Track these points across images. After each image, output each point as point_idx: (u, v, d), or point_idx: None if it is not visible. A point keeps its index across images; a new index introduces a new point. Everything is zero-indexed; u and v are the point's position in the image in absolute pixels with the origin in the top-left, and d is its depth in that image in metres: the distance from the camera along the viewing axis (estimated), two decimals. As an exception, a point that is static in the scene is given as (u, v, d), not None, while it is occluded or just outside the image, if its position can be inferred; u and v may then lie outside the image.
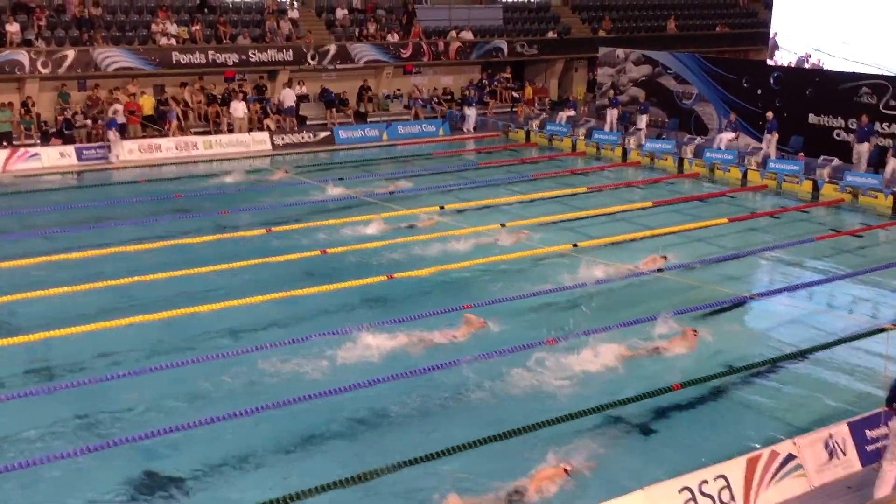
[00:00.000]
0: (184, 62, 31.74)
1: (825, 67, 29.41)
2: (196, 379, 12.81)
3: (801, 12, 29.98)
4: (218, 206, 22.93)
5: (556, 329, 14.54)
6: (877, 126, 26.31)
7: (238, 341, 14.29)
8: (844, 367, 13.68)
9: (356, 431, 11.59)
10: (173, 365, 13.17)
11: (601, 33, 41.57)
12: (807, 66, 30.05)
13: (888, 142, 25.98)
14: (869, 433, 10.79)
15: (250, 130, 31.32)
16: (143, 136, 29.87)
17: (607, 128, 32.49)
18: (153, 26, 32.04)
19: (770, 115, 28.30)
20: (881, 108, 26.78)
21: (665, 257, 18.21)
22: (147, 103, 30.89)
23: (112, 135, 28.28)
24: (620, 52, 35.95)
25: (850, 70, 28.26)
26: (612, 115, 32.79)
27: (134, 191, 25.07)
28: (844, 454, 10.58)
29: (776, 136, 27.86)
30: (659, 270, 17.14)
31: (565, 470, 10.20)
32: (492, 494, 9.95)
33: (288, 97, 32.75)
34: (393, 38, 36.41)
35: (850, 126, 27.16)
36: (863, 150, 25.86)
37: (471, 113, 34.68)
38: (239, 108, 31.19)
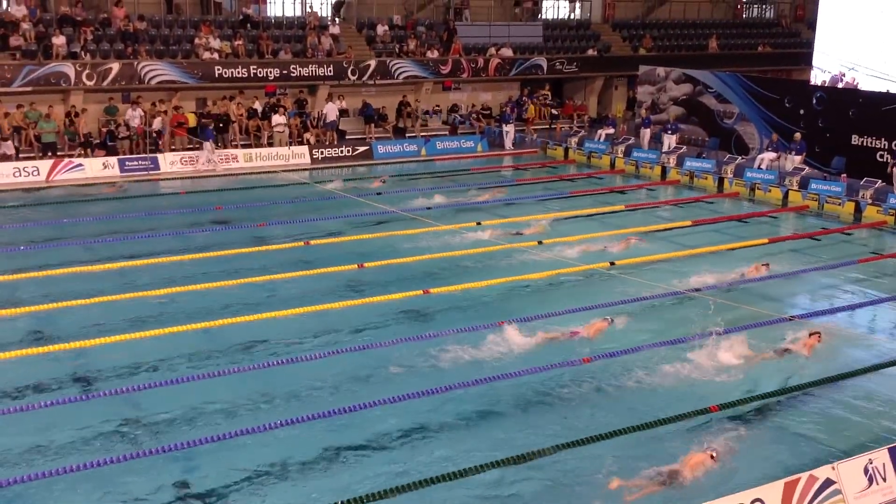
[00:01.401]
0: (226, 76, 32.10)
1: (859, 86, 29.10)
2: (233, 389, 12.91)
3: (842, 32, 29.66)
4: (256, 218, 23.12)
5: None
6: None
7: (277, 352, 14.38)
8: (886, 392, 13.44)
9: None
10: (211, 375, 13.28)
11: (642, 51, 41.48)
12: (841, 85, 29.75)
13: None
14: (911, 460, 10.59)
15: (290, 144, 31.59)
16: (188, 148, 30.30)
17: (643, 145, 32.39)
18: (196, 40, 32.45)
19: (798, 136, 28.09)
20: (926, 130, 26.45)
21: (767, 265, 18.80)
22: (191, 117, 31.33)
23: (208, 144, 29.37)
24: (661, 70, 35.80)
25: (888, 89, 27.97)
26: (644, 134, 32.65)
27: (175, 202, 25.35)
28: (884, 480, 10.38)
29: (803, 156, 27.74)
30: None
31: (712, 456, 10.88)
32: (648, 478, 10.63)
33: (331, 112, 32.98)
34: (433, 54, 36.57)
35: (894, 147, 26.79)
36: (897, 173, 25.70)
37: (509, 129, 34.70)
38: (280, 122, 31.48)
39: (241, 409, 12.44)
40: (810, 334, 14.90)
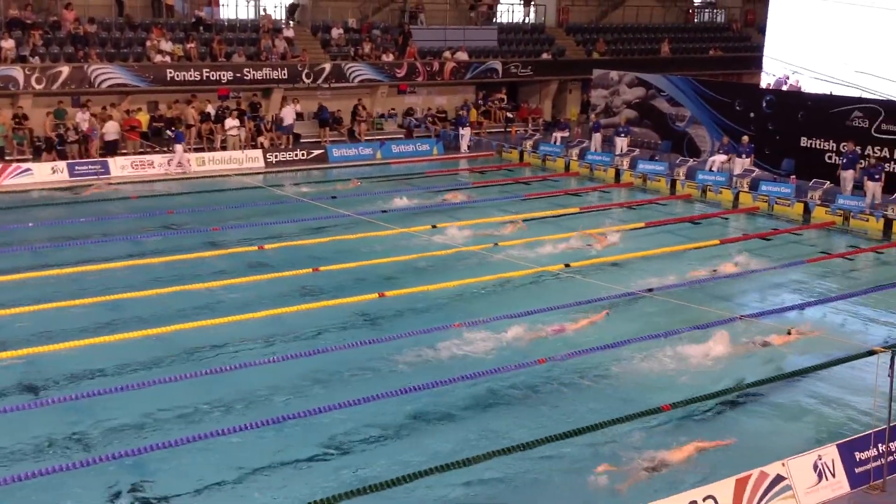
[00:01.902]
0: (178, 79, 31.78)
1: (802, 89, 29.67)
2: (187, 395, 12.80)
3: (789, 36, 30.15)
4: (210, 222, 22.94)
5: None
6: (867, 151, 26.53)
7: (232, 357, 14.28)
8: (835, 389, 13.67)
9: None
10: (164, 381, 13.13)
11: (595, 55, 41.80)
12: (785, 87, 30.30)
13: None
14: (858, 455, 10.77)
15: (244, 148, 31.36)
16: (140, 152, 29.98)
17: (593, 149, 32.55)
18: (147, 43, 32.11)
19: (745, 139, 28.61)
20: (873, 132, 26.94)
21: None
22: (144, 120, 31.00)
23: (179, 147, 29.31)
24: (614, 74, 36.11)
25: (833, 92, 28.55)
26: (595, 138, 32.86)
27: (126, 207, 25.05)
28: (833, 476, 10.56)
29: (752, 158, 28.40)
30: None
31: (697, 447, 11.35)
32: (636, 465, 11.03)
33: (287, 115, 32.80)
34: (388, 57, 36.54)
35: (843, 149, 27.29)
36: (848, 176, 26.09)
37: (465, 132, 34.77)
38: (233, 126, 31.25)
39: (196, 415, 12.35)
40: (788, 332, 15.45)
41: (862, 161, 26.43)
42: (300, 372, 13.71)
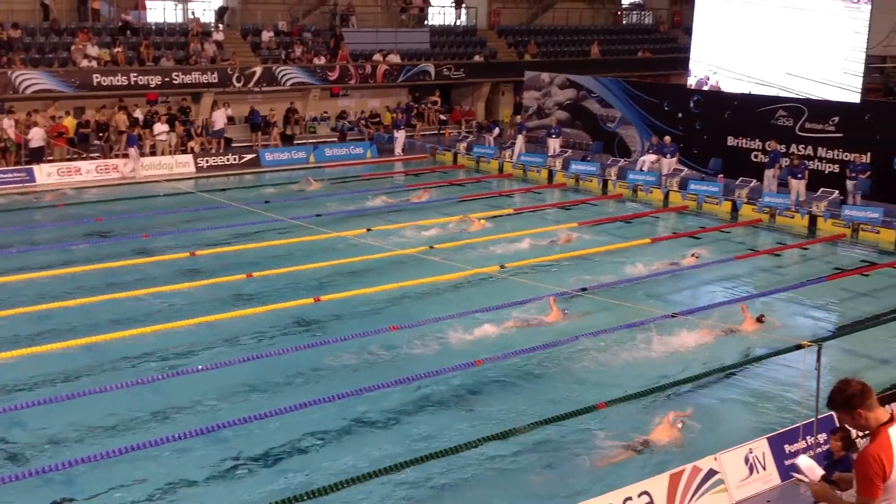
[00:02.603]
0: (105, 84, 31.21)
1: (722, 89, 30.32)
2: (121, 405, 12.58)
3: (713, 37, 30.72)
4: (140, 229, 22.57)
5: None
6: (791, 149, 27.24)
7: (165, 365, 14.07)
8: (764, 383, 13.97)
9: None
10: (95, 391, 12.88)
11: (527, 57, 42.13)
12: (706, 87, 30.92)
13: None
14: (788, 447, 11.02)
15: (173, 153, 30.90)
16: (67, 159, 29.36)
17: (516, 151, 32.69)
18: (73, 48, 31.47)
19: (668, 139, 29.17)
20: (797, 131, 27.62)
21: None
22: (71, 125, 30.36)
23: (133, 151, 29.13)
24: (546, 75, 36.44)
25: (752, 92, 29.23)
26: (518, 140, 33.06)
27: (53, 215, 24.52)
28: (764, 469, 10.79)
29: (677, 158, 29.04)
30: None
31: (679, 426, 11.87)
32: (622, 445, 11.58)
33: (218, 119, 32.41)
34: (320, 60, 36.35)
35: (767, 148, 27.90)
36: (770, 174, 26.73)
37: (399, 135, 34.76)
38: (162, 131, 30.78)
39: (130, 425, 12.11)
40: (758, 318, 16.17)
41: (786, 159, 27.08)
42: (236, 379, 13.55)
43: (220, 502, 10.43)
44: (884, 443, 5.82)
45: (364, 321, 16.26)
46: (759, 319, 16.23)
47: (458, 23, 44.38)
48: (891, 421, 5.88)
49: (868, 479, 5.79)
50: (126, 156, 29.79)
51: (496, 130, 35.16)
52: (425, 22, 42.99)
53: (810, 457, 6.92)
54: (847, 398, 5.85)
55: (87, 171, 28.82)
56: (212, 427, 11.89)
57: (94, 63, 31.37)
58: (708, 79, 30.98)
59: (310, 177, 28.84)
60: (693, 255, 20.57)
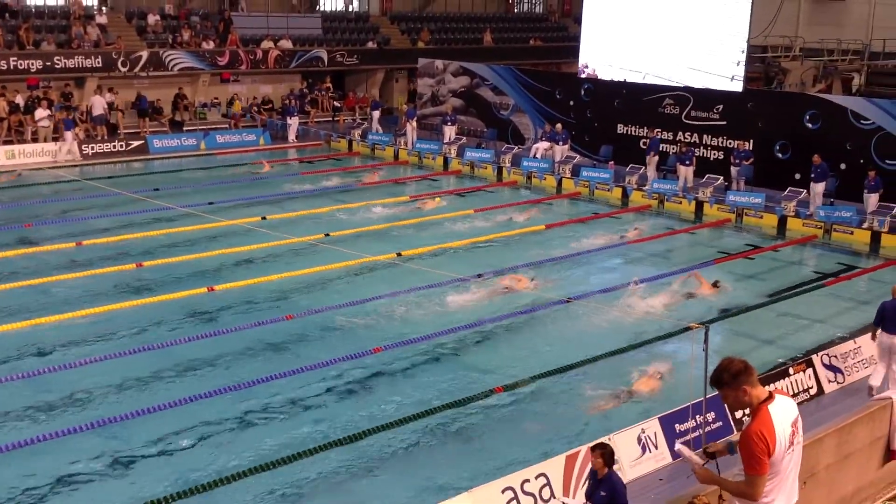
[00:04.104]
0: (-18, 67, 29.92)
1: (598, 77, 31.01)
2: (7, 399, 12.16)
3: (604, 27, 31.28)
4: (22, 218, 21.73)
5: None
6: (678, 137, 28.03)
7: (47, 360, 13.60)
8: (654, 364, 14.30)
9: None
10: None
11: (420, 44, 42.12)
12: (583, 76, 31.55)
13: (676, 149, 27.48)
14: (678, 426, 11.35)
15: (56, 139, 29.81)
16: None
17: (408, 138, 32.70)
18: (-53, 29, 30.06)
19: (559, 126, 29.75)
20: (683, 119, 28.40)
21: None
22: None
23: (69, 134, 28.98)
24: (439, 63, 36.52)
25: (625, 78, 30.01)
26: (410, 128, 33.05)
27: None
28: (656, 447, 11.09)
29: (569, 145, 29.48)
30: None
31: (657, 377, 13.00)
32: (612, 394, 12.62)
33: (97, 104, 31.37)
34: (208, 45, 35.58)
35: (650, 136, 28.59)
36: (650, 160, 27.48)
37: (292, 122, 34.32)
38: (43, 116, 29.66)
39: (17, 419, 11.69)
40: (713, 284, 17.69)
41: (674, 147, 27.85)
42: (128, 371, 13.20)
43: (105, 496, 10.17)
44: (765, 419, 5.99)
45: (259, 310, 16.05)
46: (715, 284, 17.73)
47: (350, 9, 44.05)
48: (770, 398, 6.09)
49: (754, 455, 5.96)
50: (57, 139, 29.41)
51: (377, 112, 35.13)
52: (317, 7, 42.54)
53: (684, 443, 7.12)
54: (734, 375, 6.02)
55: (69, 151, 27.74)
56: (103, 420, 11.56)
57: (-31, 45, 30.02)
58: (586, 67, 31.57)
59: (263, 159, 28.97)
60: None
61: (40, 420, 11.77)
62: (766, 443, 5.95)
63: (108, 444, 11.21)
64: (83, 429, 11.37)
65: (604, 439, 10.56)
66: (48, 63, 31.31)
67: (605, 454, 8.84)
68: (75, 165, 28.70)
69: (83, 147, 29.76)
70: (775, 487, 6.11)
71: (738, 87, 27.83)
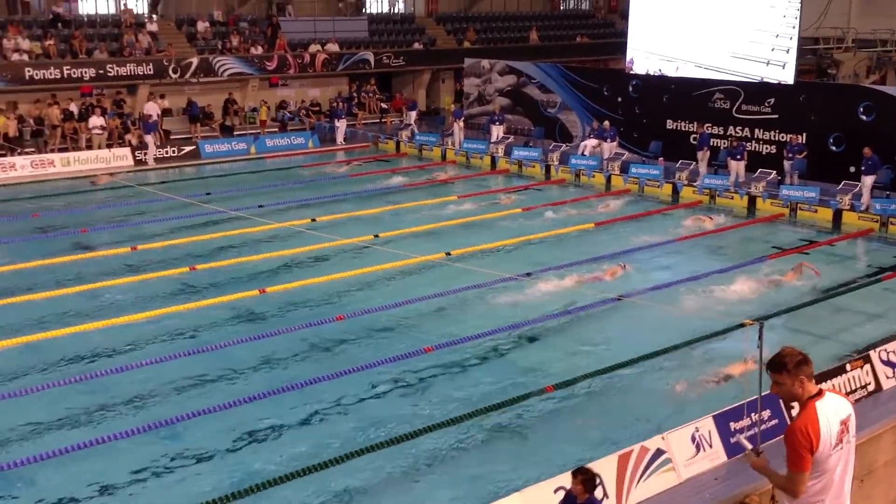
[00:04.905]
0: (38, 78, 30.54)
1: (646, 73, 30.72)
2: (60, 403, 12.34)
3: (652, 22, 31.00)
4: (78, 224, 22.14)
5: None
6: (729, 131, 27.66)
7: (102, 363, 13.83)
8: (709, 362, 14.16)
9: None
10: (32, 390, 12.62)
11: (466, 44, 42.13)
12: (630, 72, 31.30)
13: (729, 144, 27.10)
14: (733, 425, 11.18)
15: (110, 146, 30.34)
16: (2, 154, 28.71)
17: (455, 138, 32.70)
18: (4, 42, 30.71)
19: (607, 123, 29.59)
20: (734, 113, 28.04)
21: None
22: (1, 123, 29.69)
23: (150, 137, 30.00)
24: (486, 62, 36.48)
25: (674, 74, 29.69)
26: (457, 128, 32.95)
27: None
28: (711, 446, 10.92)
29: (617, 142, 29.39)
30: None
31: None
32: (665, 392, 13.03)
33: (150, 111, 31.86)
34: (257, 50, 35.95)
35: (701, 131, 28.26)
36: (700, 156, 27.20)
37: (340, 125, 34.53)
38: (98, 124, 30.20)
39: (73, 423, 11.90)
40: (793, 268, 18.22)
41: (724, 141, 27.52)
42: (182, 373, 13.37)
43: (162, 497, 10.31)
44: (811, 415, 5.93)
45: (311, 311, 16.16)
46: (797, 269, 18.22)
47: (396, 11, 44.20)
48: (819, 395, 5.99)
49: (796, 451, 5.90)
50: (111, 146, 30.20)
51: (414, 112, 35.22)
52: (363, 10, 42.75)
53: (747, 437, 7.06)
54: (797, 363, 5.95)
55: (22, 166, 28.16)
56: (157, 423, 11.71)
57: (25, 57, 30.65)
58: (633, 62, 31.31)
59: (345, 159, 29.99)
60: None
61: (96, 423, 11.95)
62: (810, 439, 5.87)
63: (164, 445, 11.36)
64: (139, 431, 11.52)
65: (657, 438, 10.47)
66: (101, 71, 31.88)
67: (586, 480, 8.58)
68: (129, 171, 29.17)
69: (136, 153, 30.25)
70: (823, 488, 5.99)
71: (789, 78, 27.39)
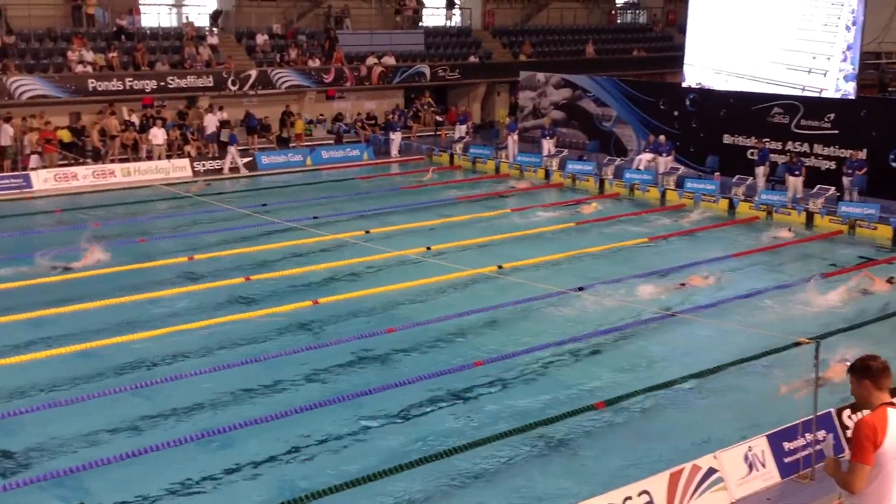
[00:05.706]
0: (100, 89, 31.23)
1: (704, 86, 30.43)
2: (114, 410, 12.58)
3: (710, 36, 30.75)
4: (137, 233, 22.57)
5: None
6: (787, 147, 27.29)
7: (158, 371, 14.07)
8: (761, 381, 13.97)
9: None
10: (94, 396, 12.89)
11: (521, 57, 42.15)
12: (687, 86, 31.03)
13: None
14: (787, 445, 11.02)
15: (170, 157, 30.90)
16: (59, 165, 29.33)
17: (510, 151, 32.70)
18: (69, 54, 31.47)
19: (662, 137, 29.25)
20: (793, 128, 27.66)
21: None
22: (64, 135, 30.36)
23: (232, 148, 31.22)
24: (541, 75, 36.46)
25: (736, 87, 29.35)
26: (511, 141, 32.98)
27: (50, 220, 24.51)
28: (764, 466, 10.78)
29: (673, 156, 29.14)
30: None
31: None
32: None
33: (210, 123, 32.40)
34: (314, 63, 36.36)
35: (758, 145, 27.91)
36: (760, 172, 26.84)
37: (395, 137, 34.75)
38: (158, 135, 30.78)
39: (130, 430, 12.12)
40: (888, 280, 18.33)
41: (783, 156, 27.16)
42: (237, 383, 13.54)
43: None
44: (882, 414, 6.08)
45: (364, 322, 16.27)
46: (890, 281, 18.28)
47: (452, 24, 44.38)
48: (893, 404, 6.15)
49: (860, 442, 6.03)
50: (171, 157, 30.91)
51: (464, 126, 35.29)
52: (419, 23, 43.01)
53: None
54: (882, 369, 6.13)
55: (84, 176, 28.78)
56: (211, 431, 11.87)
57: (89, 68, 31.37)
58: (690, 76, 31.12)
59: (430, 167, 30.90)
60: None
61: (152, 431, 12.14)
62: (875, 432, 5.99)
63: (215, 454, 11.50)
64: (193, 438, 11.70)
65: (709, 457, 10.36)
66: (162, 83, 32.50)
67: None
68: (187, 182, 29.65)
69: (195, 164, 30.76)
70: (880, 491, 6.04)
71: (850, 94, 26.94)
